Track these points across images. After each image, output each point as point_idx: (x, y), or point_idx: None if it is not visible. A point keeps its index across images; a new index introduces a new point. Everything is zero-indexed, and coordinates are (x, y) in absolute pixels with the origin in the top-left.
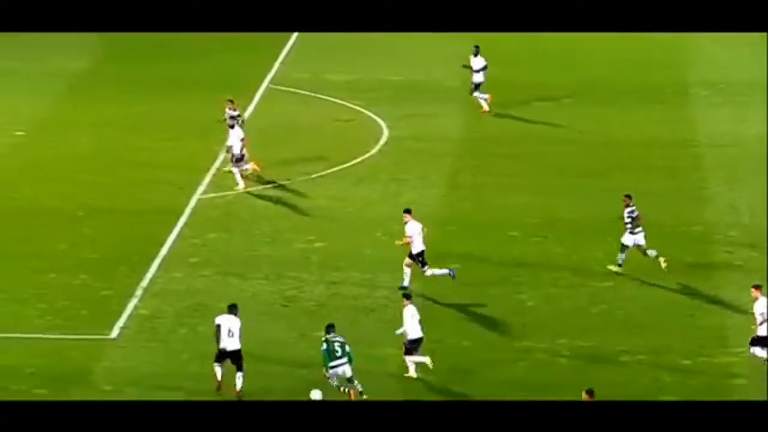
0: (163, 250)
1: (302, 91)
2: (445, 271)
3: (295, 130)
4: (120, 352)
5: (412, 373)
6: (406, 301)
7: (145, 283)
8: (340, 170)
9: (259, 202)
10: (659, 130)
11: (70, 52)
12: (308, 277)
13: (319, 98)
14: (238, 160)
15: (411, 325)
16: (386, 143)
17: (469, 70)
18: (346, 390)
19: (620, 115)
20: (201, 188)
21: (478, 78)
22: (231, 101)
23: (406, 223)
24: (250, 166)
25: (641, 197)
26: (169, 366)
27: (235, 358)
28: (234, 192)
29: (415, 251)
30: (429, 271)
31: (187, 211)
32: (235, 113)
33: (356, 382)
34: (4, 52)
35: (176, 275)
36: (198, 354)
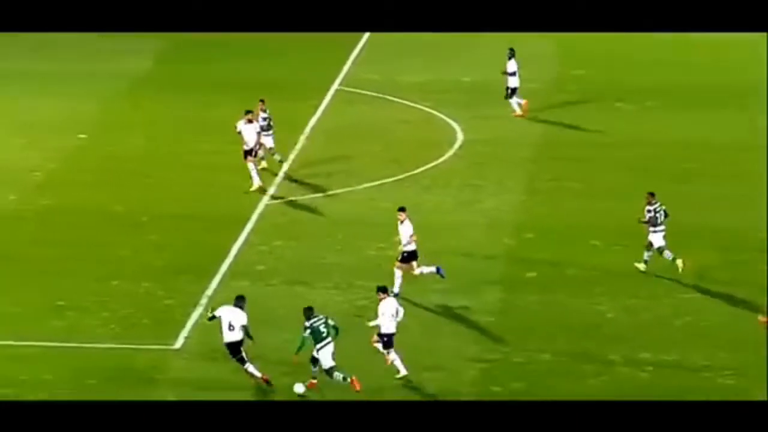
0: (229, 258)
1: (373, 93)
2: (432, 268)
3: (365, 133)
4: (184, 363)
5: (403, 370)
6: (382, 295)
7: (210, 291)
8: (412, 175)
9: (329, 207)
10: (740, 133)
11: (135, 53)
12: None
13: (390, 100)
14: (248, 153)
15: (385, 320)
16: (460, 147)
17: (510, 74)
18: (348, 379)
19: (701, 118)
20: (268, 193)
21: (513, 82)
22: (262, 101)
23: (400, 222)
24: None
25: (721, 202)
26: (234, 378)
27: (234, 352)
28: (304, 197)
29: (407, 250)
30: (418, 271)
31: (254, 217)
32: (267, 114)
33: (337, 373)
34: (67, 55)
35: (242, 284)
36: (265, 365)
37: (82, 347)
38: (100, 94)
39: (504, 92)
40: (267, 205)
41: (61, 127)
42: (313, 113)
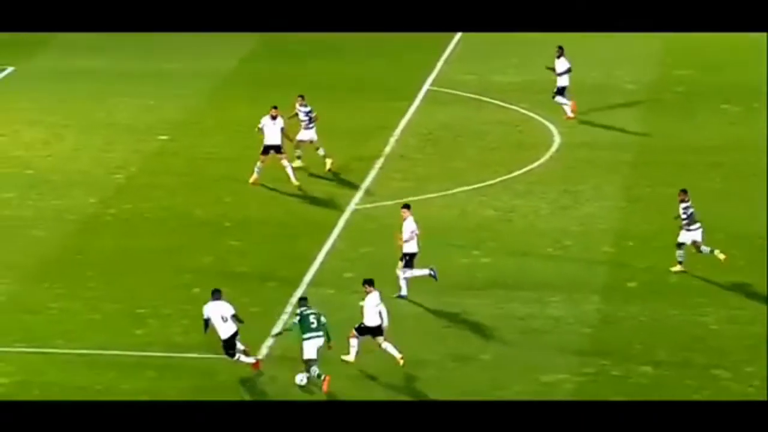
0: (315, 265)
1: (466, 94)
2: (425, 271)
3: (458, 136)
4: (268, 373)
5: (351, 357)
6: (369, 288)
7: (295, 299)
8: (507, 179)
9: (419, 213)
10: None
11: (219, 52)
12: (473, 295)
13: (485, 101)
14: (268, 149)
15: (370, 314)
16: (558, 150)
17: (559, 73)
18: (322, 377)
19: None
20: (356, 198)
21: (562, 81)
22: (301, 97)
23: (404, 219)
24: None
25: None
26: (316, 387)
27: (228, 344)
28: (393, 202)
29: (406, 251)
30: (408, 273)
31: (341, 222)
32: (307, 109)
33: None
34: (148, 53)
35: (328, 291)
36: (349, 377)
37: (162, 356)
38: (182, 94)
39: (555, 92)
40: (355, 210)
41: (142, 128)
42: (404, 114)
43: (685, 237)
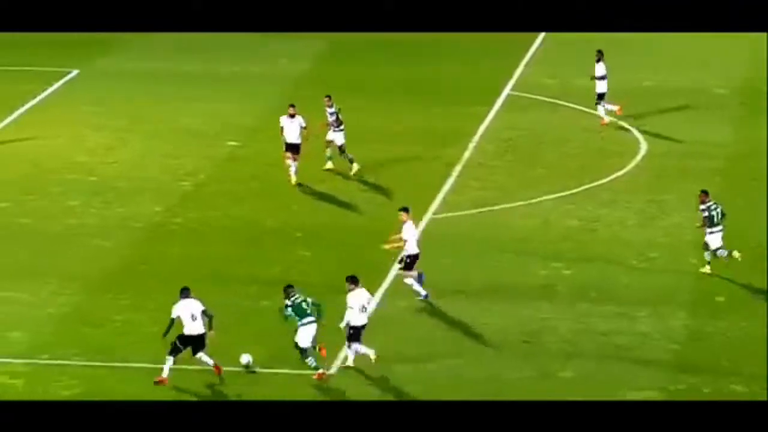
0: (389, 276)
1: (548, 98)
2: (414, 273)
3: (539, 142)
4: (339, 389)
5: (350, 362)
6: (351, 286)
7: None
8: (591, 188)
9: (500, 222)
10: None
11: (291, 54)
12: (554, 309)
13: (567, 106)
14: (289, 148)
15: (354, 312)
16: (644, 158)
17: (599, 78)
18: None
19: None
20: (433, 206)
21: (601, 87)
22: (328, 97)
23: (403, 222)
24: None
25: None
26: (391, 397)
27: (199, 345)
28: (471, 211)
29: (409, 253)
30: (409, 280)
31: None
32: (334, 109)
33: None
34: (218, 56)
35: (402, 304)
36: (424, 389)
37: (227, 371)
38: (251, 98)
39: (597, 99)
40: (431, 219)
41: (210, 134)
42: (483, 120)
43: (710, 239)
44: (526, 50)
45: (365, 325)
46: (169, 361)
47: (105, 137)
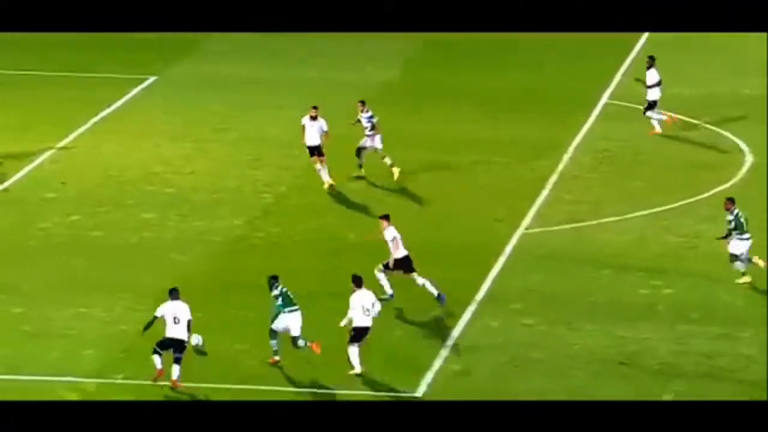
0: (480, 294)
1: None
2: (433, 291)
3: (638, 154)
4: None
5: (357, 368)
6: (355, 287)
7: (456, 332)
8: (691, 203)
9: (597, 238)
10: None
11: (379, 58)
12: (653, 329)
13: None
14: (312, 151)
15: (357, 313)
16: (748, 171)
17: (650, 86)
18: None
19: None
20: (526, 221)
21: (652, 95)
22: (362, 102)
23: (384, 230)
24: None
25: None
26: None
27: (178, 348)
28: (566, 226)
29: (399, 256)
30: (420, 280)
31: (508, 248)
32: (369, 114)
33: (301, 341)
34: (301, 61)
35: (493, 324)
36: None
37: (309, 392)
38: (336, 105)
39: (646, 107)
40: (523, 235)
41: (292, 143)
42: (578, 131)
43: (738, 247)
44: (626, 55)
45: (368, 327)
46: (156, 359)
47: (182, 147)
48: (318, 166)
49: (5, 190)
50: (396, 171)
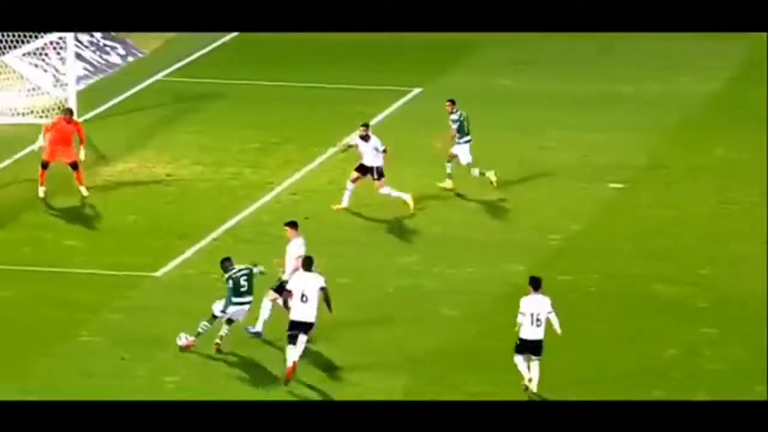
0: None
1: None
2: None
3: None
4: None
5: (526, 376)
6: (530, 288)
7: None
8: None
9: None
10: None
11: (699, 68)
12: None
13: None
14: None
15: (526, 321)
16: None
17: None
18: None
19: None
20: None
21: None
22: (452, 102)
23: (289, 240)
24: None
25: None
26: None
27: (306, 331)
28: None
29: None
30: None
31: None
32: (458, 116)
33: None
34: (598, 71)
35: None
36: None
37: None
38: (642, 126)
39: None
40: None
41: (587, 172)
42: None
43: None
44: None
45: (538, 341)
46: (290, 350)
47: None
48: (385, 189)
49: (236, 226)
50: (492, 176)
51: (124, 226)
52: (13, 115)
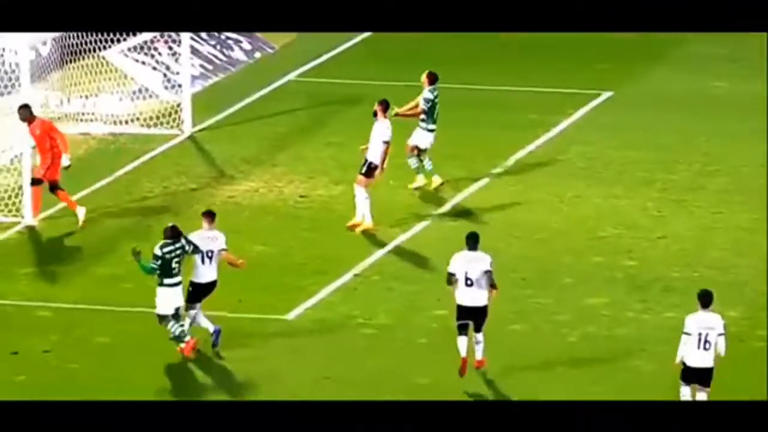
0: None
1: None
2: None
3: None
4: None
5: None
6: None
7: None
8: None
9: None
10: None
11: None
12: None
13: None
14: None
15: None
16: None
17: None
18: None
19: None
20: None
21: None
22: (433, 76)
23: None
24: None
25: None
26: None
27: (481, 317)
28: None
29: (203, 280)
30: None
31: None
32: (433, 94)
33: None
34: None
35: None
36: None
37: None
38: None
39: None
40: None
41: None
42: None
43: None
44: None
45: (708, 369)
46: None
47: (646, 196)
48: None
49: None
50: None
51: (249, 258)
52: (114, 123)
